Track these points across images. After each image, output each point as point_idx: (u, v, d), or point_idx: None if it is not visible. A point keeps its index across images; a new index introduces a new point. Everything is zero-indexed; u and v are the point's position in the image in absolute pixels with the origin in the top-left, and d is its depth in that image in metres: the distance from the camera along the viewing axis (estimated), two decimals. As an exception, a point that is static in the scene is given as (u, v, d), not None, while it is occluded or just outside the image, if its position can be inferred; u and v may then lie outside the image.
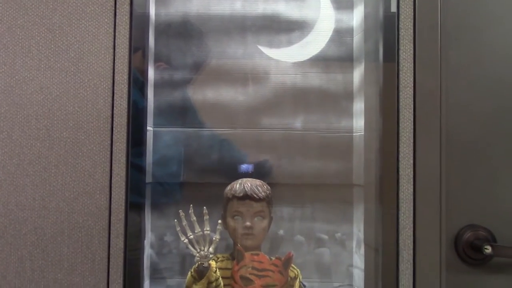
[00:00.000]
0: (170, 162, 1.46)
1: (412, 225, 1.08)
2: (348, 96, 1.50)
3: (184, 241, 1.16)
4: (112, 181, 1.07)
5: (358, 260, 1.43)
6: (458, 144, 1.13)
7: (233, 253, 1.32)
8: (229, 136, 1.47)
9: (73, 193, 1.07)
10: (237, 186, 1.33)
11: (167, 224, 1.44)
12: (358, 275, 1.43)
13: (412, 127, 1.11)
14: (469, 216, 1.11)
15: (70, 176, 1.07)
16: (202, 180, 1.45)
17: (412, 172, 1.09)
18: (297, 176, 1.47)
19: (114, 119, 1.08)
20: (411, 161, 1.09)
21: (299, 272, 1.35)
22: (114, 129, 1.07)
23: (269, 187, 1.35)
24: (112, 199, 1.07)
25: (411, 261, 1.08)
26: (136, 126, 1.11)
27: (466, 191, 1.12)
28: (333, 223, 1.49)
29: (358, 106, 1.46)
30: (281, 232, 1.46)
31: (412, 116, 1.11)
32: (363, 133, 1.37)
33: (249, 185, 1.32)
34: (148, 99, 1.38)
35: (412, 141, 1.10)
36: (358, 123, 1.45)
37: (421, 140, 1.10)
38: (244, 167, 1.37)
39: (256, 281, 1.27)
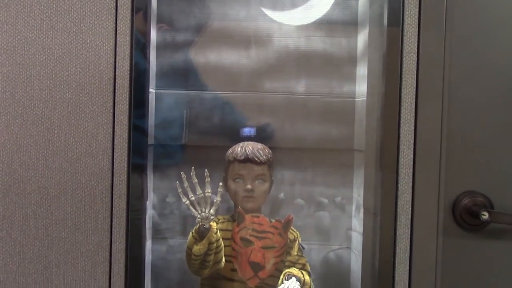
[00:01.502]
0: (172, 124, 1.47)
1: (411, 191, 1.10)
2: (351, 61, 1.49)
3: (186, 203, 1.18)
4: (115, 143, 1.08)
5: (357, 224, 1.45)
6: (460, 111, 1.13)
7: (234, 215, 1.34)
8: (231, 99, 1.47)
9: (76, 153, 1.08)
10: (239, 149, 1.34)
11: (169, 186, 1.46)
12: (357, 239, 1.45)
13: (414, 93, 1.11)
14: (468, 182, 1.12)
15: (73, 137, 1.08)
16: (204, 142, 1.46)
17: (412, 138, 1.10)
18: (299, 140, 1.48)
19: (116, 80, 1.08)
20: (412, 127, 1.10)
21: (298, 234, 1.37)
22: (116, 90, 1.07)
23: (270, 150, 1.36)
24: (114, 160, 1.08)
25: (409, 226, 1.10)
26: (138, 88, 1.11)
27: (466, 157, 1.13)
28: (333, 187, 1.50)
29: (362, 71, 1.45)
30: (281, 195, 1.48)
31: (414, 82, 1.10)
32: (365, 99, 1.37)
33: (251, 148, 1.33)
34: (150, 61, 1.37)
35: (413, 107, 1.10)
36: (361, 88, 1.44)
37: (422, 106, 1.11)
38: (246, 130, 1.37)
39: (256, 242, 1.30)
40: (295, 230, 1.37)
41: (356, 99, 1.48)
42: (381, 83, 1.17)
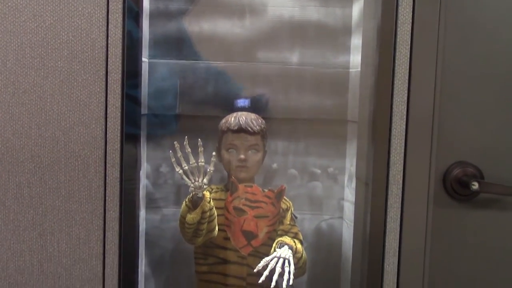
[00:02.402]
0: (166, 94, 1.46)
1: (402, 161, 1.11)
2: (346, 31, 1.48)
3: (179, 172, 1.19)
4: (108, 112, 1.07)
5: (349, 194, 1.46)
6: (453, 82, 1.13)
7: (227, 185, 1.35)
8: (225, 69, 1.46)
9: (69, 122, 1.08)
10: (232, 119, 1.34)
11: (163, 156, 1.46)
12: (349, 208, 1.47)
13: (408, 63, 1.10)
14: (459, 153, 1.13)
15: (65, 106, 1.07)
16: (197, 112, 1.45)
17: (405, 108, 1.10)
18: (292, 110, 1.48)
19: (108, 49, 1.07)
20: (405, 98, 1.10)
21: (291, 204, 1.38)
22: (108, 59, 1.07)
23: (264, 121, 1.36)
24: (107, 129, 1.08)
25: (400, 195, 1.11)
26: (131, 57, 1.10)
27: (458, 128, 1.13)
28: (326, 158, 1.51)
29: (356, 41, 1.44)
30: (274, 165, 1.48)
31: (408, 53, 1.10)
32: (359, 69, 1.37)
33: (244, 118, 1.33)
34: (143, 30, 1.36)
35: (407, 77, 1.10)
36: (355, 59, 1.44)
37: (416, 77, 1.11)
38: (240, 101, 1.37)
39: (249, 211, 1.31)
40: (287, 200, 1.38)
41: (351, 70, 1.47)
42: (375, 53, 1.17)
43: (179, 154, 1.18)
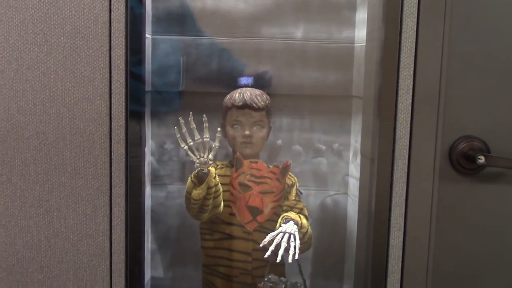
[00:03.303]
0: (169, 71, 1.45)
1: (408, 135, 1.10)
2: (351, 5, 1.46)
3: (184, 148, 1.19)
4: (112, 87, 1.07)
5: (354, 170, 1.46)
6: (459, 56, 1.12)
7: (232, 161, 1.35)
8: (228, 45, 1.45)
9: (73, 98, 1.07)
10: (237, 95, 1.33)
11: (167, 132, 1.46)
12: (354, 184, 1.47)
13: (415, 37, 1.09)
14: (465, 127, 1.12)
15: (69, 82, 1.07)
16: (201, 89, 1.45)
17: (411, 82, 1.09)
18: (297, 86, 1.47)
19: (112, 24, 1.06)
20: (412, 72, 1.09)
21: (296, 180, 1.38)
22: (112, 34, 1.06)
23: (268, 96, 1.35)
24: (112, 105, 1.07)
25: (406, 170, 1.11)
26: (134, 33, 1.09)
27: (464, 102, 1.13)
28: (331, 134, 1.50)
29: (361, 16, 1.43)
30: (279, 141, 1.48)
31: (415, 26, 1.09)
32: (364, 44, 1.35)
33: (249, 94, 1.32)
34: (146, 6, 1.34)
35: (413, 51, 1.09)
36: (360, 34, 1.42)
37: (422, 50, 1.09)
38: (244, 79, 1.36)
39: (254, 187, 1.31)
40: (293, 175, 1.38)
41: (355, 44, 1.46)
42: (381, 27, 1.15)
43: (184, 130, 1.18)
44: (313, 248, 1.45)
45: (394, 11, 1.11)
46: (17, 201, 1.10)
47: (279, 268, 1.32)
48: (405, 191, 1.11)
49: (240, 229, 1.33)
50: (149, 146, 1.48)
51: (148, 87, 1.39)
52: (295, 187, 1.37)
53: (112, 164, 1.08)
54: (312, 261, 1.51)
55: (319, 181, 1.52)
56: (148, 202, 1.47)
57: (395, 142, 1.10)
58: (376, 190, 1.15)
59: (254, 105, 1.31)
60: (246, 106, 1.31)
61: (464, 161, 1.11)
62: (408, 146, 1.10)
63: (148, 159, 1.46)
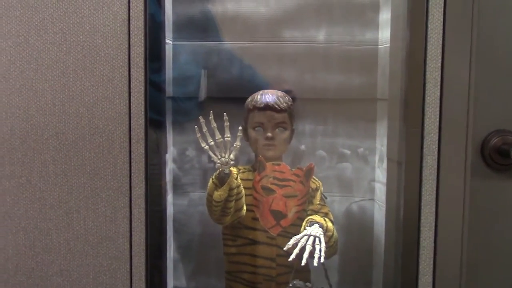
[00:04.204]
0: (190, 77, 1.44)
1: (437, 130, 1.05)
2: (374, 6, 1.44)
3: (205, 148, 1.16)
4: (131, 86, 1.05)
5: (380, 174, 1.42)
6: (489, 46, 1.07)
7: (255, 165, 1.32)
8: (249, 49, 1.43)
9: (92, 98, 1.06)
10: (258, 97, 1.31)
11: (188, 139, 1.44)
12: (380, 190, 1.43)
13: (442, 27, 1.05)
14: (497, 121, 1.07)
15: (88, 81, 1.06)
16: (222, 94, 1.43)
17: (439, 75, 1.05)
18: (320, 90, 1.44)
19: (130, 22, 1.05)
20: (439, 64, 1.05)
21: (320, 184, 1.34)
22: (131, 32, 1.05)
23: (291, 98, 1.32)
24: (131, 104, 1.06)
25: (435, 167, 1.06)
26: (153, 39, 1.08)
27: (495, 95, 1.08)
28: (356, 138, 1.47)
29: (385, 16, 1.40)
30: (302, 147, 1.45)
31: (441, 16, 1.05)
32: (388, 45, 1.32)
33: (271, 95, 1.30)
34: (167, 12, 1.34)
35: (441, 42, 1.05)
36: (384, 35, 1.39)
37: (450, 41, 1.05)
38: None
39: (277, 190, 1.28)
40: (317, 179, 1.35)
41: (379, 46, 1.43)
42: (406, 21, 1.12)
43: (205, 129, 1.15)
44: (339, 256, 1.41)
45: (419, 8, 1.08)
46: (37, 203, 1.08)
47: (304, 274, 1.28)
48: (435, 188, 1.06)
49: (264, 234, 1.29)
50: (171, 152, 1.46)
51: (168, 93, 1.38)
52: (319, 191, 1.34)
53: (132, 163, 1.06)
54: (339, 269, 1.46)
55: (344, 187, 1.48)
56: (170, 210, 1.45)
57: (423, 137, 1.06)
58: (404, 189, 1.11)
59: (277, 106, 1.28)
60: (268, 108, 1.28)
61: (497, 156, 1.05)
62: (437, 141, 1.05)
63: (170, 166, 1.44)
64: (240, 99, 1.35)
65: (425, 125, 1.06)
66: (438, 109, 1.06)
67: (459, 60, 1.06)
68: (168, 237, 1.39)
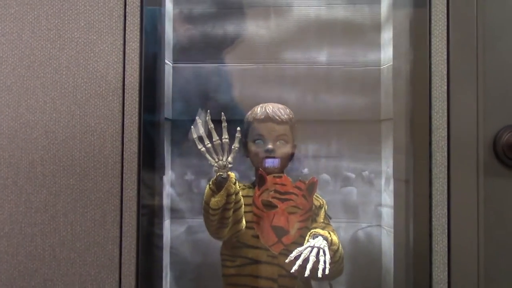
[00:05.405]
0: (190, 99, 1.41)
1: (446, 126, 1.00)
2: (375, 27, 1.43)
3: (202, 150, 1.10)
4: (125, 83, 1.02)
5: (388, 198, 1.36)
6: (497, 38, 1.04)
7: (255, 182, 1.26)
8: (251, 71, 1.41)
9: (85, 95, 1.02)
10: (258, 109, 1.27)
11: (188, 163, 1.39)
12: (387, 214, 1.36)
13: (446, 23, 1.02)
14: (509, 116, 1.02)
15: (81, 78, 1.02)
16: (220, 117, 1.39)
17: (445, 68, 1.01)
18: (322, 112, 1.41)
19: (126, 17, 1.03)
20: (445, 56, 1.01)
21: (324, 202, 1.28)
22: (126, 27, 1.02)
23: (292, 111, 1.28)
24: (125, 101, 1.01)
25: (445, 164, 1.00)
26: (149, 27, 1.05)
27: (506, 89, 1.03)
28: (361, 161, 1.42)
29: (386, 36, 1.38)
30: (305, 170, 1.40)
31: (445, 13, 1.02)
32: (391, 64, 1.29)
33: (271, 107, 1.26)
34: (168, 34, 1.33)
35: (445, 35, 1.01)
36: (387, 55, 1.37)
37: (455, 33, 1.02)
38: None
39: (279, 205, 1.21)
40: (320, 197, 1.28)
41: (382, 66, 1.41)
42: (410, 35, 1.09)
43: (202, 130, 1.10)
44: (346, 287, 1.32)
45: (423, 21, 1.05)
46: (22, 206, 1.02)
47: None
48: (446, 187, 0.99)
49: (264, 253, 1.21)
50: (169, 176, 1.41)
51: (168, 114, 1.35)
52: (323, 209, 1.27)
53: (124, 163, 1.00)
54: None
55: (349, 213, 1.42)
56: (167, 237, 1.38)
57: (431, 132, 1.00)
58: (413, 189, 1.03)
59: (277, 117, 1.24)
60: (268, 119, 1.24)
61: (511, 152, 0.99)
62: (446, 137, 1.00)
63: (168, 191, 1.39)
64: (239, 121, 1.31)
65: (432, 119, 1.01)
66: (445, 103, 1.01)
67: (466, 51, 1.02)
68: (164, 265, 1.31)
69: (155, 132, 1.09)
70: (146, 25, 1.03)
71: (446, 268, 0.99)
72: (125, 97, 1.01)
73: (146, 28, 1.03)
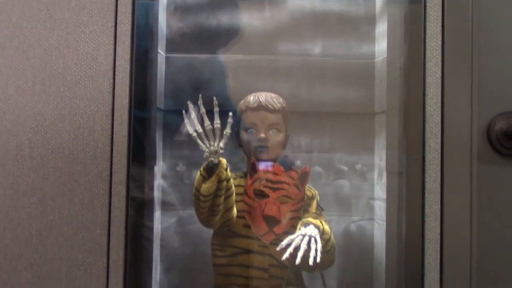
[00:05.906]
0: (183, 90, 1.40)
1: (440, 112, 0.99)
2: (369, 20, 1.42)
3: (193, 135, 1.09)
4: (116, 64, 1.00)
5: (380, 191, 1.35)
6: (491, 25, 1.03)
7: (247, 172, 1.24)
8: (244, 62, 1.40)
9: (75, 77, 1.01)
10: (251, 98, 1.26)
11: (180, 154, 1.38)
12: (380, 207, 1.35)
13: (441, 9, 1.01)
14: (503, 103, 1.01)
15: (71, 59, 1.01)
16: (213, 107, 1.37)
17: (440, 53, 1.00)
18: (316, 104, 1.40)
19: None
20: (439, 42, 1.00)
21: (316, 193, 1.27)
22: (118, 8, 1.00)
23: (285, 101, 1.27)
24: (115, 83, 1.00)
25: (439, 150, 0.99)
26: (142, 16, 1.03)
27: (500, 75, 1.02)
28: (354, 154, 1.41)
29: (381, 29, 1.38)
30: (298, 162, 1.38)
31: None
32: (385, 57, 1.29)
33: (264, 96, 1.25)
34: (161, 24, 1.32)
35: (440, 21, 1.00)
36: (381, 47, 1.36)
37: (450, 22, 1.01)
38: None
39: (270, 194, 1.20)
40: (312, 188, 1.27)
41: (376, 59, 1.40)
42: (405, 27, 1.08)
43: (193, 115, 1.09)
44: (337, 280, 1.32)
45: (418, 12, 1.04)
46: (9, 190, 1.00)
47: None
48: (439, 175, 0.98)
49: (256, 243, 1.20)
50: (160, 168, 1.39)
51: (160, 104, 1.34)
52: (315, 200, 1.26)
53: (114, 146, 0.99)
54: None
55: (341, 206, 1.41)
56: (157, 228, 1.36)
57: (425, 119, 0.99)
58: (406, 179, 1.03)
59: (270, 106, 1.23)
60: (261, 108, 1.23)
61: (505, 140, 0.98)
62: (440, 124, 0.99)
63: (159, 182, 1.37)
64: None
65: (426, 106, 1.00)
66: (439, 89, 1.00)
67: (460, 38, 1.01)
68: (154, 256, 1.30)
69: (145, 116, 1.07)
70: (138, 6, 1.02)
71: (439, 256, 0.97)
72: (116, 80, 1.00)
73: (138, 9, 1.02)
